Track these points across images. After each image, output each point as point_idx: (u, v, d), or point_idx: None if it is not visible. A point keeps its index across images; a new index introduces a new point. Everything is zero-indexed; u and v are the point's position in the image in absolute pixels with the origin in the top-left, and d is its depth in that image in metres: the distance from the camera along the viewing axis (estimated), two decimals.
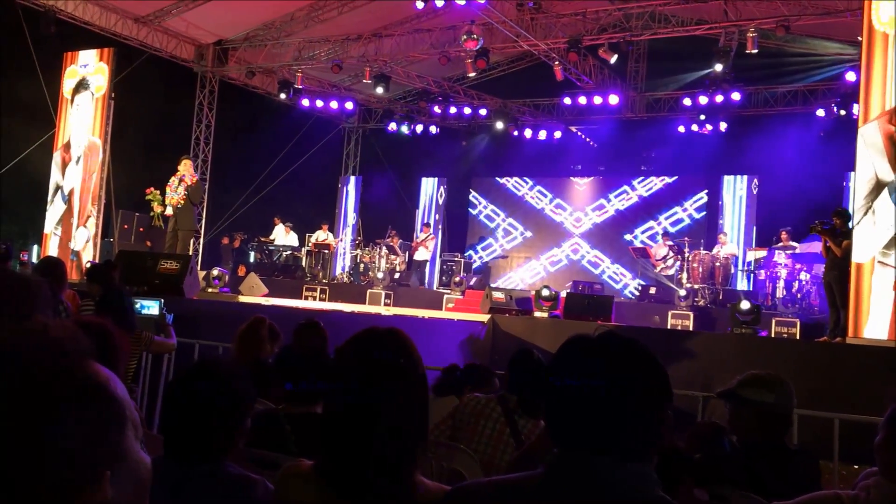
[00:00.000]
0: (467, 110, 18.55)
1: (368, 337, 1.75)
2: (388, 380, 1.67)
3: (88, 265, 10.92)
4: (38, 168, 15.33)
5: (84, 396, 0.82)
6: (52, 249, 14.61)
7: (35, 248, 15.98)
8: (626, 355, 1.41)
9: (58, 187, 15.00)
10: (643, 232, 17.95)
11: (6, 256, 6.48)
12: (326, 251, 17.30)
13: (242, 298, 11.80)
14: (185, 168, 11.32)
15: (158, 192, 11.70)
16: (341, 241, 19.46)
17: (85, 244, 14.44)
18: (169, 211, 11.20)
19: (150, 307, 6.06)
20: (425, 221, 18.60)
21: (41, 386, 0.80)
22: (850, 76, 13.89)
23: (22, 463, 0.76)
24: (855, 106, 10.90)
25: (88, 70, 15.01)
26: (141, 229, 16.00)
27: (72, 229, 14.64)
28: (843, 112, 14.56)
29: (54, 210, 14.98)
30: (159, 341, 5.68)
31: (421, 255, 16.99)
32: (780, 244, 13.39)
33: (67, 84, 15.18)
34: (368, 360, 1.70)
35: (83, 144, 14.81)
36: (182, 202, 11.17)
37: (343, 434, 1.67)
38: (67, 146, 15.01)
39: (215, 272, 12.36)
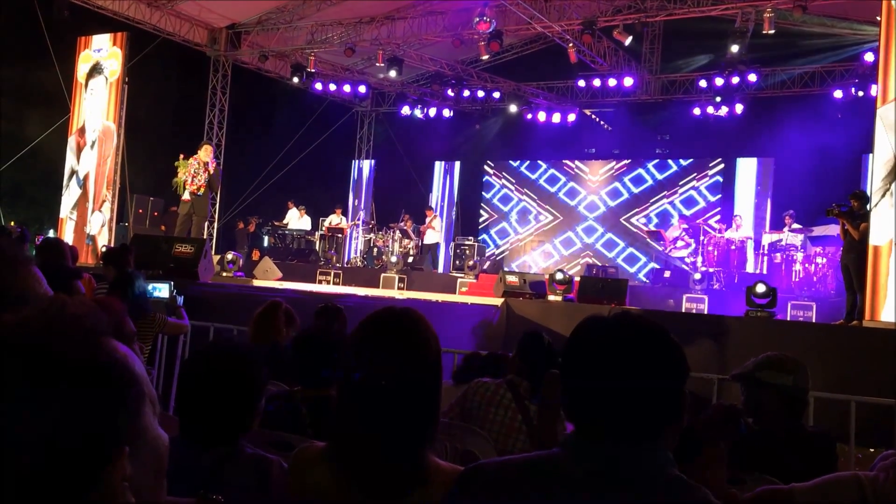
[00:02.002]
0: (481, 93, 18.46)
1: (385, 317, 1.75)
2: (403, 360, 1.67)
3: (104, 249, 10.99)
4: (53, 153, 15.42)
5: (103, 373, 0.82)
6: (68, 234, 14.71)
7: (51, 232, 16.10)
8: (642, 334, 1.40)
9: (73, 172, 15.08)
10: (658, 215, 17.86)
11: (21, 240, 6.51)
12: (340, 235, 17.33)
13: (257, 282, 11.86)
14: (206, 154, 11.27)
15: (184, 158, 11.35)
16: (355, 225, 19.49)
17: (100, 229, 14.53)
18: (186, 196, 11.17)
19: (161, 290, 6.09)
20: (428, 205, 18.56)
21: (60, 362, 0.80)
22: (869, 56, 13.73)
23: (41, 440, 0.77)
24: (873, 87, 10.78)
25: (102, 55, 15.04)
26: (156, 213, 16.09)
27: (87, 214, 14.73)
28: (860, 93, 14.40)
29: (70, 195, 15.06)
30: (173, 323, 5.70)
31: (430, 237, 16.99)
32: (786, 227, 13.34)
33: (81, 69, 15.23)
34: (384, 340, 1.70)
35: (98, 129, 14.87)
36: (202, 189, 11.17)
37: (357, 415, 1.67)
38: (82, 131, 15.08)
39: (230, 256, 12.41)
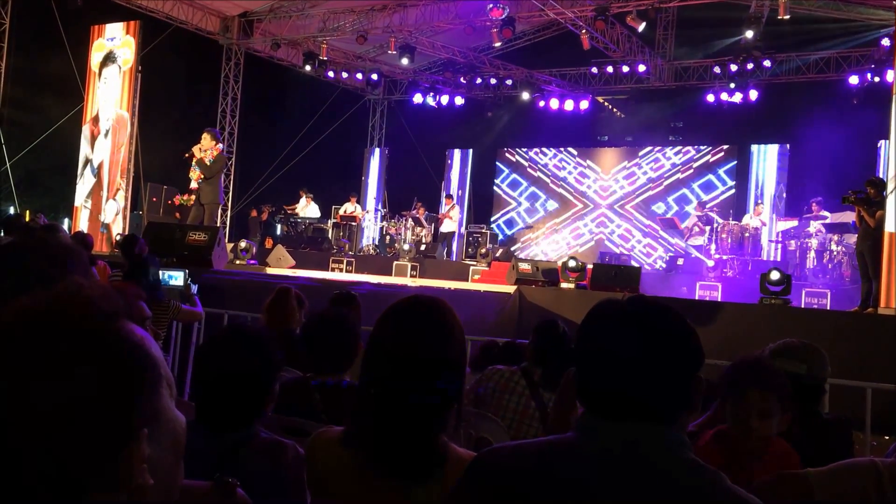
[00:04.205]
0: (493, 81, 18.41)
1: (413, 305, 1.76)
2: (429, 348, 1.67)
3: (119, 237, 11.05)
4: (67, 142, 15.50)
5: (119, 354, 0.82)
6: (83, 222, 14.80)
7: (66, 221, 16.19)
8: (656, 318, 1.39)
9: (87, 161, 15.14)
10: (671, 202, 17.77)
11: (53, 230, 6.51)
12: (353, 223, 17.35)
13: (270, 270, 11.90)
14: (204, 142, 11.27)
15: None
16: (367, 212, 19.49)
17: (114, 217, 14.60)
18: (193, 185, 11.23)
19: (176, 278, 6.13)
20: (447, 193, 18.56)
21: (76, 345, 0.80)
22: (885, 42, 13.57)
23: (57, 421, 0.77)
24: (889, 72, 10.67)
25: (115, 43, 15.07)
26: (169, 202, 16.15)
27: (101, 202, 14.80)
28: (877, 79, 14.24)
29: (84, 183, 15.14)
30: (187, 310, 5.76)
31: (447, 226, 16.98)
32: (811, 214, 13.22)
33: (95, 57, 15.27)
34: (412, 327, 1.71)
35: (111, 118, 14.92)
36: (202, 177, 11.19)
37: (380, 401, 1.67)
38: (96, 119, 15.13)
39: (243, 244, 12.45)
